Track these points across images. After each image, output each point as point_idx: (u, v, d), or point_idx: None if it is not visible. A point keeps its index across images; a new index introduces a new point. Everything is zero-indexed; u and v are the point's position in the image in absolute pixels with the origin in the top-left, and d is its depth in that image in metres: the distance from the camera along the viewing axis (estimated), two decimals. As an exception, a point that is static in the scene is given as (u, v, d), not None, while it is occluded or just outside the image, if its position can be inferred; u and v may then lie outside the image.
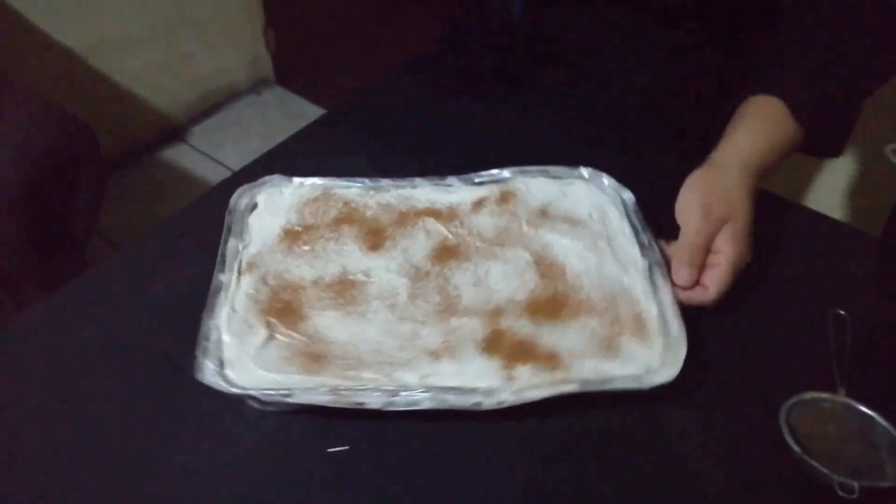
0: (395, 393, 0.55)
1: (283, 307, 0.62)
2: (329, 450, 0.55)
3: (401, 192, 0.73)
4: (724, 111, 0.73)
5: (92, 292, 0.68)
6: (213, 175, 2.00)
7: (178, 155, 2.10)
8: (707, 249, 0.64)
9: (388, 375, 0.57)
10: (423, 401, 0.55)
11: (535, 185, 0.74)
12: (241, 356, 0.58)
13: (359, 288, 0.64)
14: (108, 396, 0.59)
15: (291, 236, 0.69)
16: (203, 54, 2.13)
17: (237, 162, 0.75)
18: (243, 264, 0.66)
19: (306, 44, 2.20)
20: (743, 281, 0.64)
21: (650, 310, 0.62)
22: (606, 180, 0.74)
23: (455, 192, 0.74)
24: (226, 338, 0.59)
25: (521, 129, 0.86)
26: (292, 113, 2.24)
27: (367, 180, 0.74)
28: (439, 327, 0.61)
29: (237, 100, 2.28)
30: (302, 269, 0.66)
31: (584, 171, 0.75)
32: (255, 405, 0.57)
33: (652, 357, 0.58)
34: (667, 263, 0.65)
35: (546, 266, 0.66)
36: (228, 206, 0.70)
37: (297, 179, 0.74)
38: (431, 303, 0.63)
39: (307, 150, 0.84)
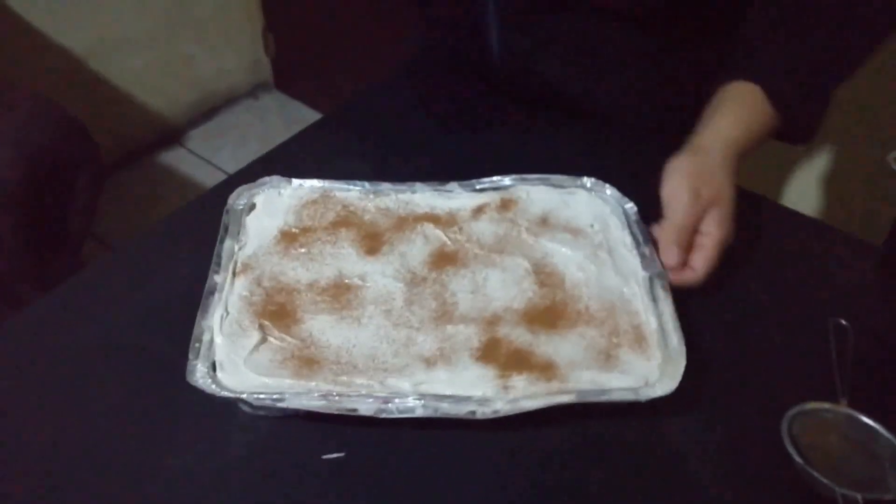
0: (388, 399, 0.54)
1: (277, 310, 0.61)
2: (324, 456, 0.54)
3: (400, 196, 0.73)
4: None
5: (87, 292, 0.68)
6: (210, 179, 1.99)
7: (175, 158, 2.10)
8: (694, 231, 0.65)
9: (382, 382, 0.56)
10: (417, 408, 0.54)
11: (537, 194, 0.73)
12: (233, 359, 0.57)
13: (354, 292, 0.63)
14: (101, 397, 0.58)
15: (288, 238, 0.68)
16: (202, 57, 2.13)
17: (234, 166, 0.76)
18: (238, 265, 0.65)
19: (306, 48, 2.20)
20: (744, 289, 0.65)
21: (650, 322, 0.61)
22: (609, 190, 0.73)
23: (455, 198, 0.73)
24: (218, 340, 0.58)
25: (524, 136, 0.85)
26: (291, 118, 2.23)
27: (366, 184, 0.73)
28: (435, 334, 0.60)
29: (235, 104, 2.28)
30: (297, 271, 0.65)
31: (587, 181, 0.74)
32: (247, 409, 0.56)
33: (651, 369, 0.57)
34: (655, 244, 0.66)
35: (545, 275, 0.65)
36: (226, 206, 0.70)
37: (295, 181, 0.73)
38: (427, 309, 0.62)
39: (306, 152, 0.83)
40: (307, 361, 0.57)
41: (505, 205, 0.72)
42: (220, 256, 0.65)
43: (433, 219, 0.70)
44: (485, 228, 0.70)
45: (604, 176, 0.74)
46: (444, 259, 0.67)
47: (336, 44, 2.05)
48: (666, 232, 0.65)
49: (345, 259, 0.66)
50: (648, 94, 0.88)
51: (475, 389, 0.56)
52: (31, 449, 0.55)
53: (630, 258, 0.67)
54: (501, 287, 0.64)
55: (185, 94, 2.15)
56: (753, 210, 0.77)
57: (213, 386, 0.55)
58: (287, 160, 0.81)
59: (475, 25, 0.88)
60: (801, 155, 1.36)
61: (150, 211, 1.87)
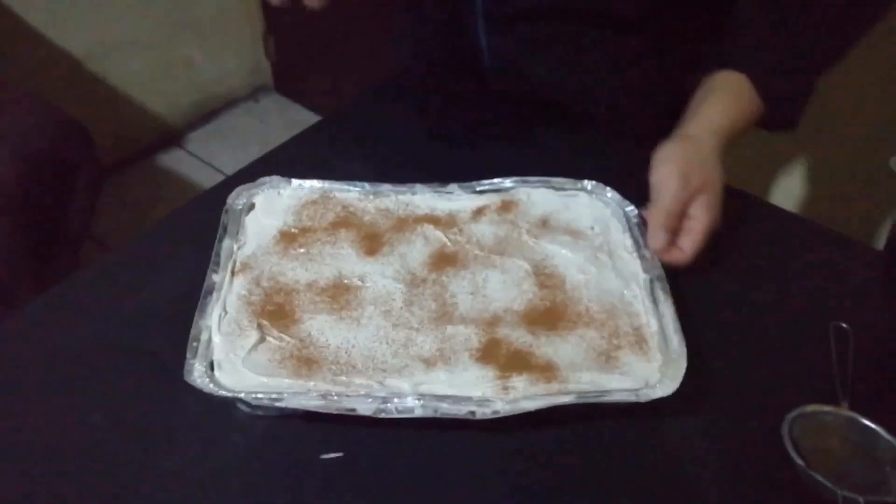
0: (387, 399, 0.54)
1: (275, 309, 0.61)
2: (322, 456, 0.54)
3: (400, 197, 0.72)
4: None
5: (84, 292, 0.67)
6: (210, 181, 1.98)
7: (174, 160, 2.10)
8: (682, 216, 0.67)
9: (381, 382, 0.56)
10: (416, 408, 0.53)
11: (537, 196, 0.73)
12: (231, 358, 0.57)
13: (353, 293, 0.63)
14: (98, 397, 0.58)
15: (287, 238, 0.68)
16: (202, 60, 2.13)
17: (234, 169, 0.76)
18: (237, 265, 0.65)
19: (306, 51, 2.20)
20: (745, 292, 0.66)
21: (650, 324, 0.61)
22: (610, 193, 0.73)
23: (455, 200, 0.73)
24: (216, 339, 0.58)
25: (525, 139, 0.85)
26: (291, 121, 2.23)
27: (366, 184, 0.73)
28: (434, 335, 0.60)
29: (235, 106, 2.28)
30: (297, 271, 0.65)
31: (588, 184, 0.74)
32: (245, 409, 0.56)
33: (651, 371, 0.57)
34: (645, 226, 0.67)
35: (545, 276, 0.65)
36: (225, 206, 0.69)
37: (295, 181, 0.73)
38: (427, 310, 0.62)
39: (306, 153, 0.83)
40: (306, 361, 0.57)
41: (505, 207, 0.72)
42: (218, 256, 0.65)
43: (433, 220, 0.70)
44: (485, 230, 0.69)
45: (604, 179, 0.74)
46: (443, 260, 0.66)
47: (336, 47, 2.04)
48: (654, 217, 0.67)
49: (344, 259, 0.66)
50: (640, 96, 0.89)
51: (475, 390, 0.55)
52: (29, 449, 0.55)
53: (631, 261, 0.67)
54: (501, 288, 0.64)
55: (184, 96, 2.15)
56: (755, 213, 0.77)
57: (211, 385, 0.54)
58: (286, 161, 0.81)
59: (465, 31, 0.89)
60: (803, 158, 1.36)
61: (148, 213, 1.87)
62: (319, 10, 0.68)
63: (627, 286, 0.64)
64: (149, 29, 1.97)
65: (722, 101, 0.71)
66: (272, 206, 0.71)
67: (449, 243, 0.68)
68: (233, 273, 0.64)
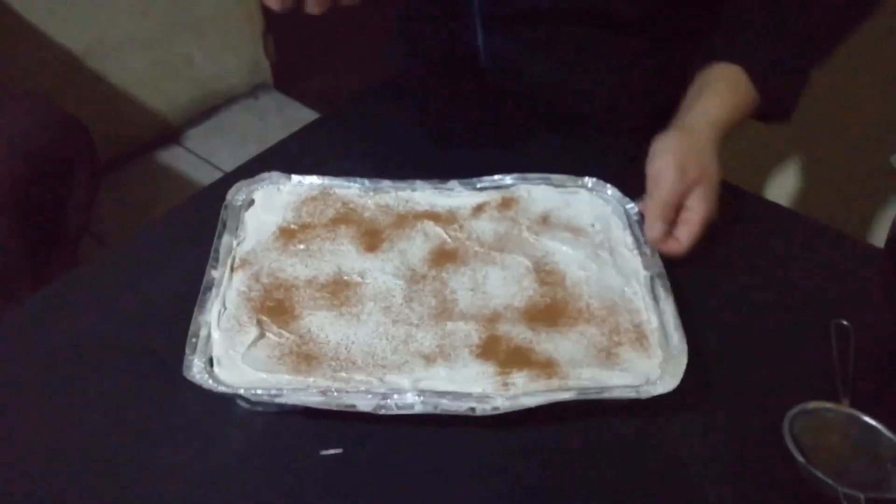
0: (386, 396, 0.53)
1: (275, 306, 0.61)
2: (322, 452, 0.54)
3: (400, 193, 0.72)
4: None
5: (83, 288, 0.67)
6: (209, 179, 1.96)
7: (173, 158, 2.09)
8: (679, 207, 0.67)
9: (381, 378, 0.56)
10: (416, 405, 0.53)
11: (538, 193, 0.73)
12: (231, 354, 0.56)
13: (353, 289, 0.63)
14: (97, 393, 0.58)
15: (287, 234, 0.67)
16: (202, 57, 2.13)
17: (233, 166, 0.75)
18: (236, 261, 0.64)
19: (306, 49, 2.19)
20: (746, 289, 0.66)
21: (651, 320, 0.60)
22: (610, 190, 0.73)
23: (456, 196, 0.72)
24: (215, 335, 0.58)
25: (525, 136, 0.85)
26: (290, 118, 2.23)
27: (366, 181, 0.73)
28: (434, 331, 0.60)
29: (235, 104, 2.28)
30: (296, 267, 0.64)
31: (588, 181, 0.74)
32: (244, 405, 0.56)
33: (652, 367, 0.57)
34: (642, 217, 0.68)
35: (546, 273, 0.65)
36: (224, 202, 0.69)
37: (295, 177, 0.73)
38: (427, 306, 0.62)
39: (305, 150, 0.83)
40: (305, 357, 0.57)
41: (506, 203, 0.72)
42: (217, 252, 0.65)
43: (433, 216, 0.70)
44: (485, 226, 0.69)
45: (605, 176, 0.74)
46: (443, 256, 0.66)
47: (336, 46, 2.04)
48: (651, 207, 0.67)
49: (344, 256, 0.66)
50: (639, 96, 0.88)
51: (475, 386, 0.55)
52: (27, 445, 0.55)
53: (631, 258, 0.67)
54: (502, 285, 0.64)
55: (184, 93, 2.15)
56: (757, 211, 0.77)
57: (211, 381, 0.54)
58: (286, 158, 0.81)
59: (462, 32, 0.89)
60: (803, 156, 1.36)
61: (147, 210, 1.87)
62: (320, 16, 0.68)
63: (628, 283, 0.64)
64: (149, 27, 1.96)
65: (719, 94, 0.71)
66: (272, 202, 0.71)
67: (449, 240, 0.68)
68: (232, 269, 0.64)
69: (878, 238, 0.74)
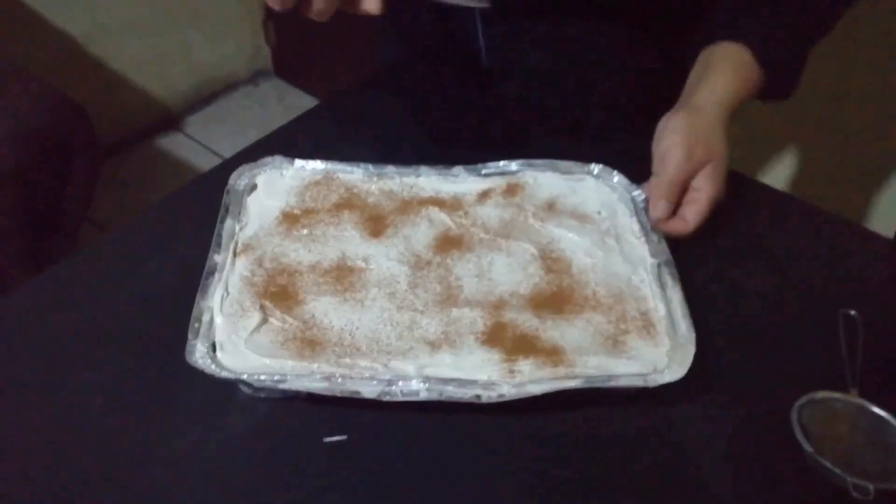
0: (391, 382, 0.53)
1: (278, 291, 0.60)
2: (326, 439, 0.53)
3: (405, 179, 0.71)
4: None
5: (83, 273, 0.66)
6: (209, 165, 1.95)
7: (173, 144, 2.08)
8: (685, 187, 0.67)
9: (385, 364, 0.55)
10: (421, 391, 0.53)
11: (544, 179, 0.72)
12: (234, 339, 0.56)
13: (357, 274, 0.62)
14: (98, 379, 0.57)
15: (290, 219, 0.67)
16: (202, 43, 2.12)
17: (233, 153, 0.75)
18: (239, 245, 0.64)
19: (306, 36, 2.18)
20: (754, 279, 0.65)
21: (658, 308, 0.60)
22: (617, 177, 0.72)
23: (461, 183, 0.72)
24: (218, 320, 0.57)
25: (530, 123, 0.84)
26: (290, 105, 2.22)
27: (370, 166, 0.72)
28: (439, 317, 0.59)
29: (235, 90, 2.26)
30: (299, 252, 0.64)
31: (595, 168, 0.73)
32: (247, 390, 0.55)
33: (659, 356, 0.56)
34: (647, 198, 0.68)
35: (552, 260, 0.64)
36: (227, 186, 0.68)
37: (298, 162, 0.72)
38: (432, 293, 0.61)
39: (308, 135, 0.82)
40: (309, 343, 0.56)
41: (511, 190, 0.71)
42: (220, 236, 0.64)
43: (438, 202, 0.69)
44: (490, 213, 0.68)
45: (611, 163, 0.73)
46: (448, 243, 0.66)
47: (337, 32, 2.03)
48: (657, 187, 0.67)
49: (348, 241, 0.65)
50: (639, 88, 0.88)
51: (480, 373, 0.55)
52: (28, 432, 0.54)
53: (638, 245, 0.66)
54: (507, 272, 0.63)
55: (184, 79, 2.13)
56: (765, 200, 0.76)
57: (213, 366, 0.53)
58: (288, 142, 0.80)
59: (461, 25, 0.88)
60: (813, 145, 1.35)
61: (147, 196, 1.85)
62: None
63: (635, 270, 0.63)
64: (149, 12, 1.95)
65: (724, 73, 0.71)
66: (274, 186, 0.70)
67: (454, 226, 0.67)
68: (235, 254, 0.63)
69: (887, 227, 0.73)
